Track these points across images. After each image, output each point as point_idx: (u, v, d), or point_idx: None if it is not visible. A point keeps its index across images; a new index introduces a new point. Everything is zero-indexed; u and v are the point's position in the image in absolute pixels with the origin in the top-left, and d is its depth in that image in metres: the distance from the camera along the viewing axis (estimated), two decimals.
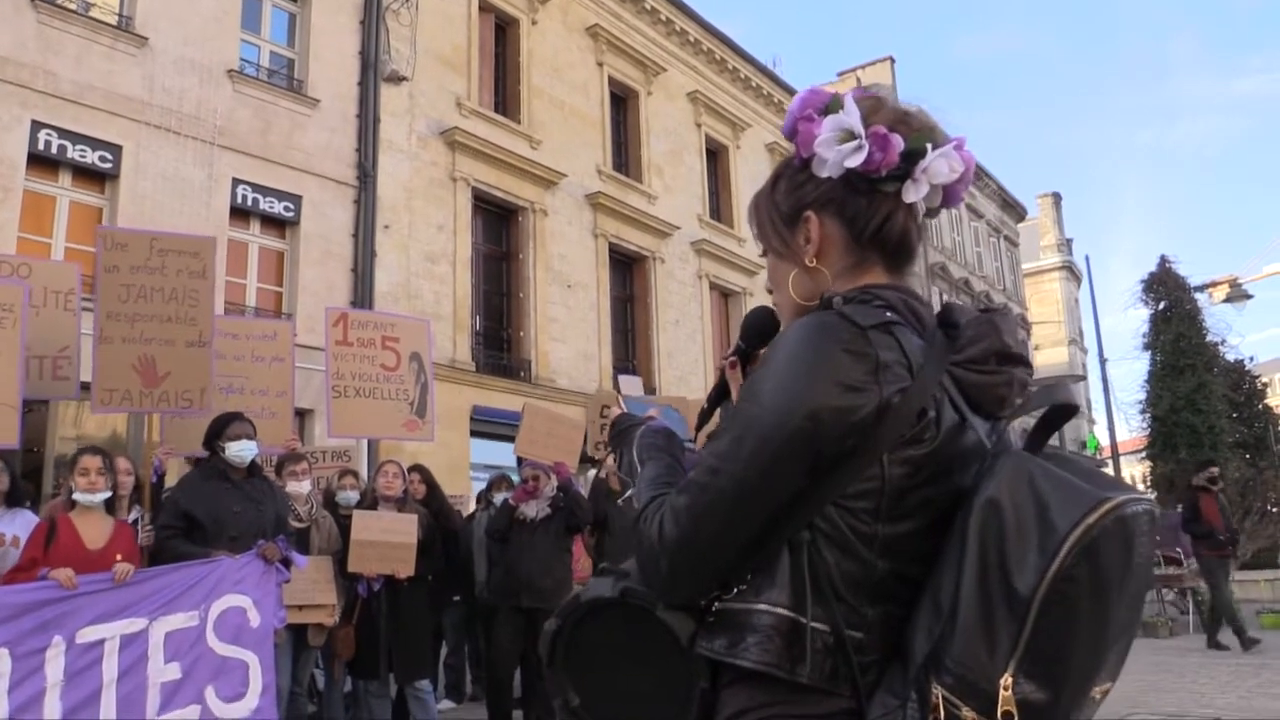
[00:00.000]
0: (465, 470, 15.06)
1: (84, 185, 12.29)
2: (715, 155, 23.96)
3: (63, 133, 11.87)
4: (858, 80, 35.13)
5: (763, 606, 1.20)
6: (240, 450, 5.34)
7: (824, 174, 1.33)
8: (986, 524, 1.09)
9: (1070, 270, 46.96)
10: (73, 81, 12.01)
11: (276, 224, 14.21)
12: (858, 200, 1.33)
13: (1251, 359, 31.24)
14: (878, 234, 1.34)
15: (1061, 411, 1.19)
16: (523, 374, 17.27)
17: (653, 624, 1.28)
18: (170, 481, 6.26)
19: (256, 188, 13.75)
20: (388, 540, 6.28)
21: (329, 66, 15.00)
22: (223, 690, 4.81)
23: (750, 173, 24.79)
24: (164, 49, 12.93)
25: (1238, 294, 25.30)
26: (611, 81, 20.71)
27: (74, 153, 11.98)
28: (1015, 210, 43.13)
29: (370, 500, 6.69)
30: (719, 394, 1.64)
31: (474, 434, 15.84)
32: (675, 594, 1.26)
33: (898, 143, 1.29)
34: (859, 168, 1.30)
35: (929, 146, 1.31)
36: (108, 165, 12.22)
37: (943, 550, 1.16)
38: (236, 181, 13.48)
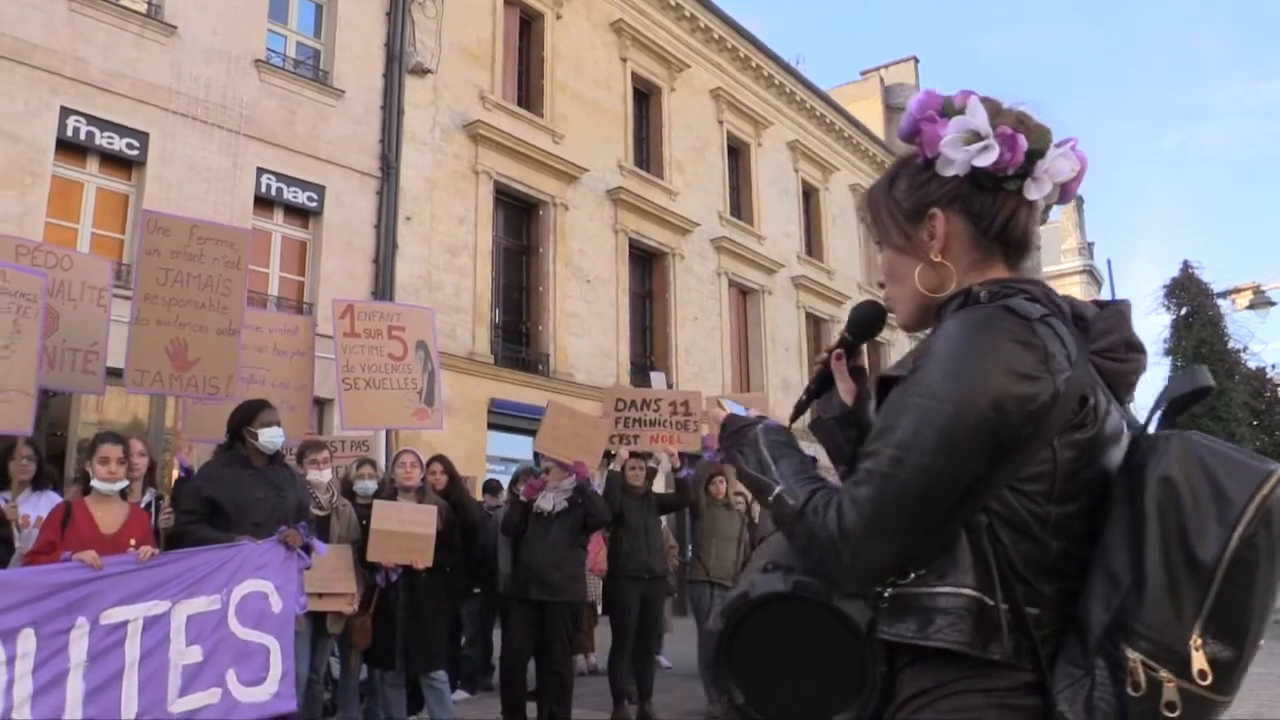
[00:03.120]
0: (482, 462, 15.12)
1: (111, 172, 12.41)
2: (737, 152, 23.93)
3: (91, 119, 11.99)
4: (881, 80, 35.03)
5: (948, 589, 1.25)
6: (272, 437, 5.38)
7: (950, 173, 1.39)
8: (1164, 500, 1.18)
9: (1091, 274, 46.65)
10: (102, 69, 12.12)
11: (300, 214, 14.31)
12: (983, 198, 1.39)
13: (1274, 367, 30.99)
14: (1003, 230, 1.40)
15: (1202, 393, 1.31)
16: (541, 368, 17.33)
17: (825, 614, 1.31)
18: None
19: (281, 177, 13.84)
20: (407, 531, 6.31)
21: (354, 58, 15.08)
22: (243, 674, 4.85)
23: (771, 170, 24.76)
24: (192, 38, 13.03)
25: (1261, 301, 25.10)
26: (634, 77, 20.72)
27: (101, 139, 12.10)
28: None
29: (389, 490, 6.72)
30: (820, 385, 1.67)
31: (491, 426, 15.91)
32: (857, 582, 1.30)
33: (1023, 143, 1.35)
34: (989, 167, 1.36)
35: (1051, 146, 1.37)
36: (134, 152, 12.34)
37: (1106, 526, 1.24)
38: (261, 171, 13.59)
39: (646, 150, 21.14)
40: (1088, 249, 47.88)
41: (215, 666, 4.79)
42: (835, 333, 27.02)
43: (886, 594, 1.28)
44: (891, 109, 34.70)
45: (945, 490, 1.23)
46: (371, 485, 6.82)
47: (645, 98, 21.39)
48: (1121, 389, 1.36)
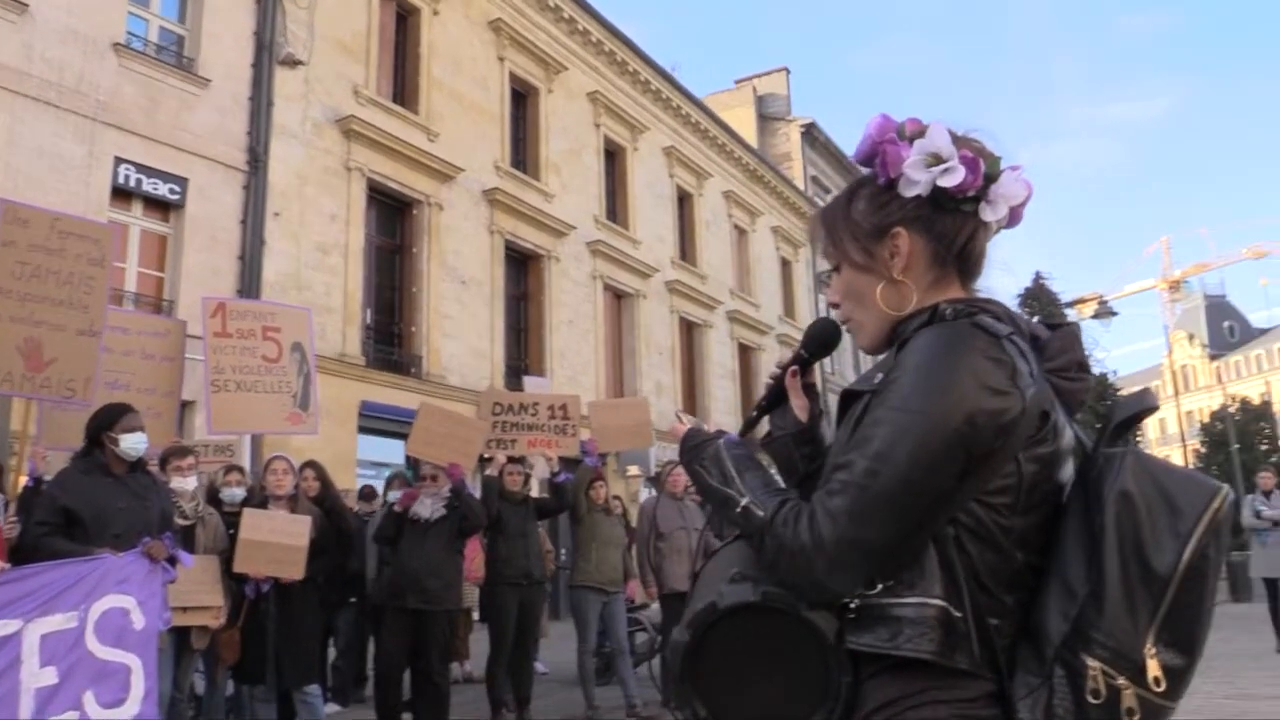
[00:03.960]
0: (352, 466, 14.76)
1: None
2: (613, 156, 24.00)
3: None
4: (754, 89, 35.67)
5: (915, 599, 1.27)
6: (135, 443, 5.10)
7: (912, 193, 1.42)
8: (1122, 514, 1.23)
9: None
10: None
11: (160, 206, 13.67)
12: (944, 219, 1.43)
13: (1115, 373, 32.99)
14: (962, 250, 1.45)
15: (1148, 412, 1.38)
16: (413, 370, 17.01)
17: (793, 625, 1.32)
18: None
19: (140, 168, 13.19)
20: (278, 542, 6.09)
21: (221, 46, 14.49)
22: (102, 696, 4.58)
23: (647, 175, 24.92)
24: (45, 17, 12.29)
25: (1104, 311, 26.62)
26: (512, 77, 20.55)
27: None
28: None
29: (259, 498, 6.48)
30: (771, 401, 1.69)
31: (362, 430, 15.53)
32: (828, 593, 1.30)
33: (983, 166, 1.40)
34: (951, 188, 1.40)
35: (1004, 170, 1.43)
36: None
37: (1062, 538, 1.29)
38: (119, 160, 12.92)
39: (523, 151, 20.98)
40: None
41: (72, 688, 4.50)
42: (709, 338, 27.39)
43: (854, 605, 1.30)
44: (764, 118, 35.39)
45: (919, 501, 1.25)
46: (240, 492, 6.56)
47: (523, 98, 21.24)
48: (1072, 406, 1.41)
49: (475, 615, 9.55)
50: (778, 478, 1.56)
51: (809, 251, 33.87)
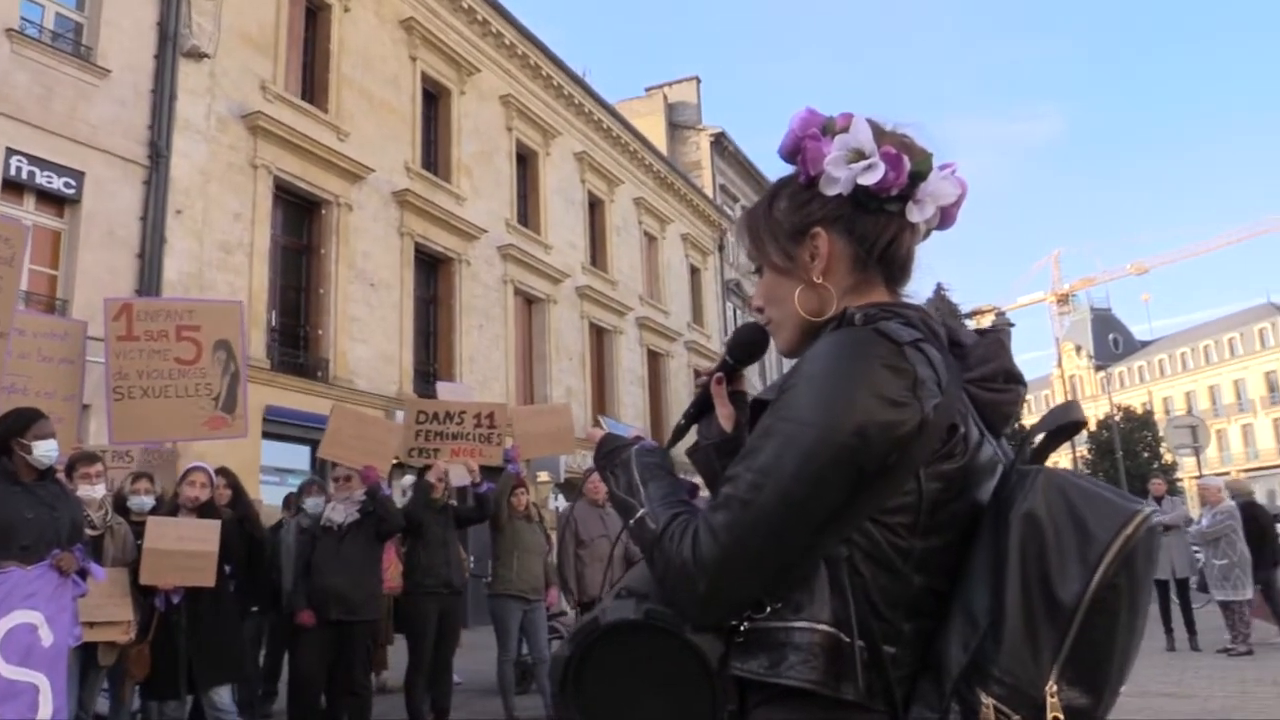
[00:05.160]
0: (256, 473, 14.31)
1: None
2: (525, 160, 23.84)
3: None
4: (665, 97, 35.86)
5: (803, 624, 1.19)
6: (48, 450, 4.83)
7: (833, 191, 1.34)
8: (1026, 537, 1.12)
9: None
10: None
11: (54, 201, 13.08)
12: (867, 219, 1.35)
13: None
14: (885, 252, 1.36)
15: (1073, 428, 1.26)
16: (320, 374, 16.60)
17: (676, 646, 1.24)
18: None
19: (33, 160, 12.60)
20: (185, 549, 5.87)
21: (122, 35, 13.94)
22: (7, 716, 4.35)
23: (559, 180, 24.83)
24: None
25: (1002, 322, 27.51)
26: (424, 78, 20.26)
27: None
28: None
29: (170, 508, 6.23)
30: (699, 409, 1.60)
31: (266, 435, 15.08)
32: (711, 614, 1.22)
33: (907, 163, 1.32)
34: (872, 186, 1.32)
35: (933, 168, 1.35)
36: None
37: (969, 563, 1.19)
38: (10, 151, 12.32)
39: (435, 153, 20.70)
40: None
41: None
42: (619, 344, 27.35)
43: (742, 628, 1.22)
44: (675, 126, 35.62)
45: (805, 519, 1.17)
46: (149, 501, 6.30)
47: (435, 99, 20.96)
48: (998, 420, 1.32)
49: (392, 626, 9.34)
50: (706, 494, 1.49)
51: (717, 259, 34.19)
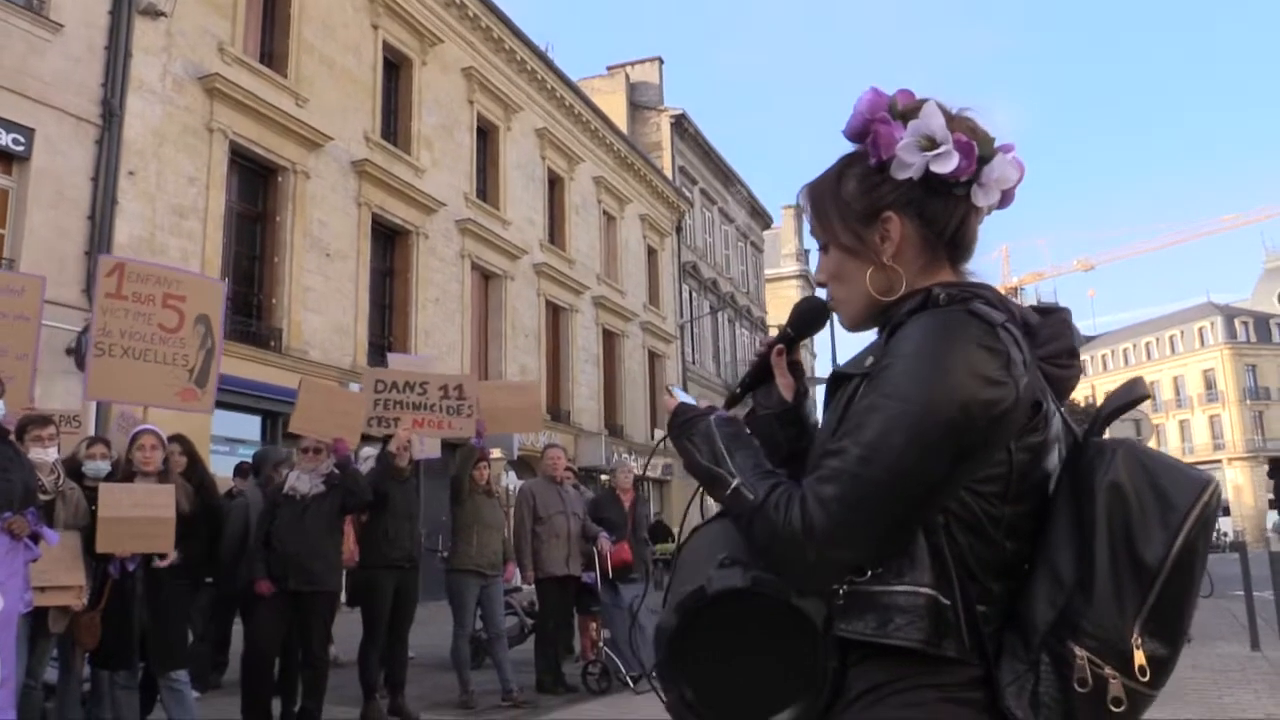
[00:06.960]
0: (206, 442, 14.07)
1: None
2: (486, 134, 23.64)
3: None
4: (627, 76, 35.67)
5: (905, 588, 1.27)
6: None
7: (904, 176, 1.38)
8: (1113, 505, 1.24)
9: (807, 279, 49.83)
10: None
11: (3, 158, 12.72)
12: (936, 203, 1.39)
13: None
14: (955, 235, 1.42)
15: (1137, 401, 1.40)
16: (273, 343, 16.37)
17: (781, 611, 1.31)
18: None
19: None
20: (142, 515, 5.75)
21: None
22: None
23: (519, 156, 24.64)
24: None
25: None
26: (386, 47, 19.97)
27: None
28: (762, 218, 45.29)
29: (124, 474, 6.09)
30: (755, 378, 1.65)
31: (218, 405, 14.78)
32: (818, 581, 1.30)
33: (976, 150, 1.36)
34: (946, 174, 1.36)
35: (997, 152, 1.39)
36: None
37: (1051, 527, 1.30)
38: None
39: (395, 124, 20.43)
40: (804, 255, 51.07)
41: None
42: (575, 322, 27.29)
43: (843, 591, 1.29)
44: (636, 106, 35.48)
45: (911, 491, 1.23)
46: (104, 466, 6.14)
47: (396, 69, 20.67)
48: (1061, 393, 1.40)
49: (344, 599, 9.27)
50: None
51: (675, 241, 34.18)
